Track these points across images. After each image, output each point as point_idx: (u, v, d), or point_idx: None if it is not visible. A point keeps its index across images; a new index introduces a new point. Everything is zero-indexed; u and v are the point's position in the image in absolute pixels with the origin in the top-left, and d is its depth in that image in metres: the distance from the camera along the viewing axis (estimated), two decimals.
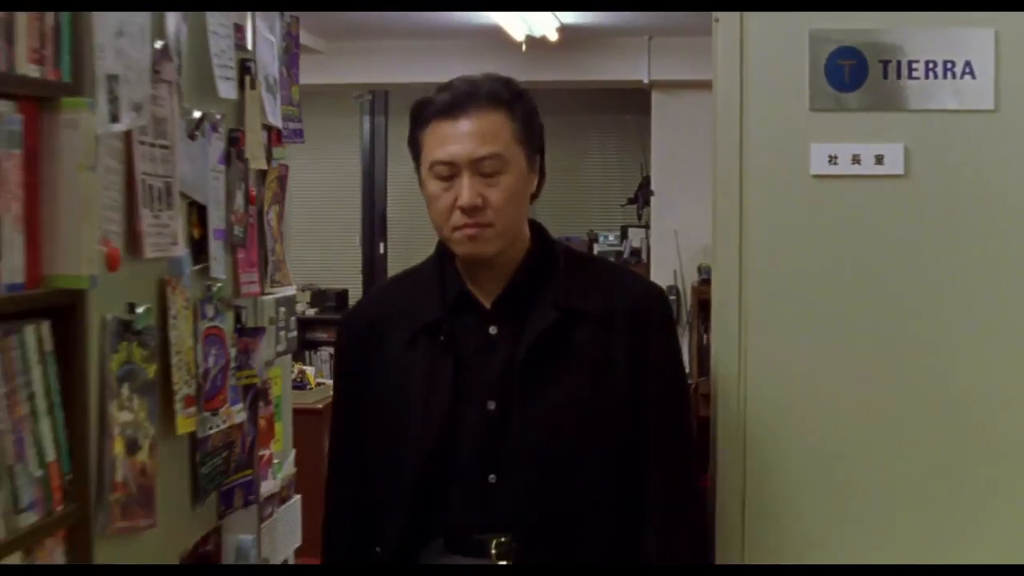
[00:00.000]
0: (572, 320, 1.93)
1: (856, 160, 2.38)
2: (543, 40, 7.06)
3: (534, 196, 2.00)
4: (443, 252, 2.02)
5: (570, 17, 6.86)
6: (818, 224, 2.39)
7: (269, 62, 2.56)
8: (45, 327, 1.59)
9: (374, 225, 9.17)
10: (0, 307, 1.49)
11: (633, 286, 2.06)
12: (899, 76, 2.39)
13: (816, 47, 2.39)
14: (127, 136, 1.80)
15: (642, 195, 8.58)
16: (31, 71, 1.54)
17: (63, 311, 1.62)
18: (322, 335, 8.48)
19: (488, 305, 1.97)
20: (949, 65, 2.38)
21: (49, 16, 1.58)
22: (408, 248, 9.68)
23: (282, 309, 2.70)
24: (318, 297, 9.19)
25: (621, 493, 1.97)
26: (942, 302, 2.39)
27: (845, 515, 2.42)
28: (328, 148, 9.48)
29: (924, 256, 2.39)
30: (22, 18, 1.51)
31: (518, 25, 6.77)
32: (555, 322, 1.92)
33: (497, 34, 6.99)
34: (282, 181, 2.73)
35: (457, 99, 1.90)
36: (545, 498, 1.92)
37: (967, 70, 2.38)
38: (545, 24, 6.81)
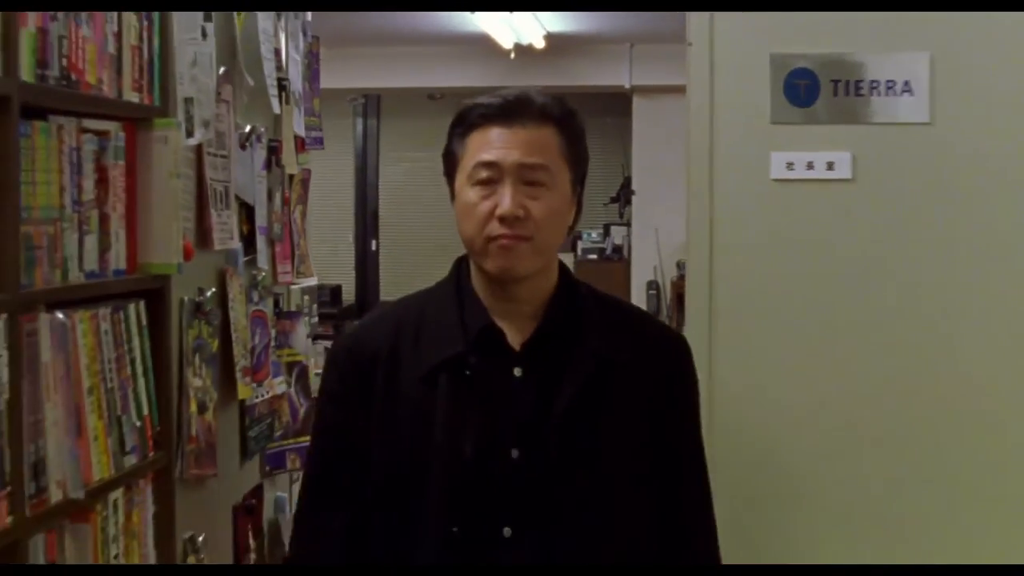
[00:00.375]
0: (607, 370, 1.80)
1: (810, 166, 2.74)
2: (530, 47, 7.42)
3: (569, 229, 1.84)
4: (461, 280, 1.84)
5: (556, 25, 7.22)
6: (777, 222, 2.74)
7: (295, 79, 2.92)
8: (141, 305, 1.95)
9: (366, 223, 9.51)
10: (110, 288, 1.85)
11: (661, 337, 1.95)
12: (848, 93, 2.75)
13: (776, 68, 2.75)
14: (198, 148, 2.17)
15: (623, 194, 8.93)
16: (133, 97, 1.90)
17: (153, 293, 1.98)
18: (318, 329, 8.81)
19: (517, 346, 1.79)
20: (890, 84, 2.75)
21: (145, 50, 1.94)
22: (398, 245, 10.06)
23: (306, 297, 3.07)
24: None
25: (638, 551, 1.84)
26: (885, 292, 2.75)
27: (805, 502, 2.72)
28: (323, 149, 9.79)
29: (870, 250, 2.74)
30: (127, 53, 1.87)
31: (506, 33, 7.12)
32: (594, 372, 1.78)
33: (486, 41, 7.35)
34: (305, 184, 3.09)
35: (510, 106, 1.78)
36: (564, 556, 1.76)
37: (906, 88, 2.74)
38: (532, 32, 7.17)
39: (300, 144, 3.01)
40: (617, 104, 8.84)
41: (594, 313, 1.84)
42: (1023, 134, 2.65)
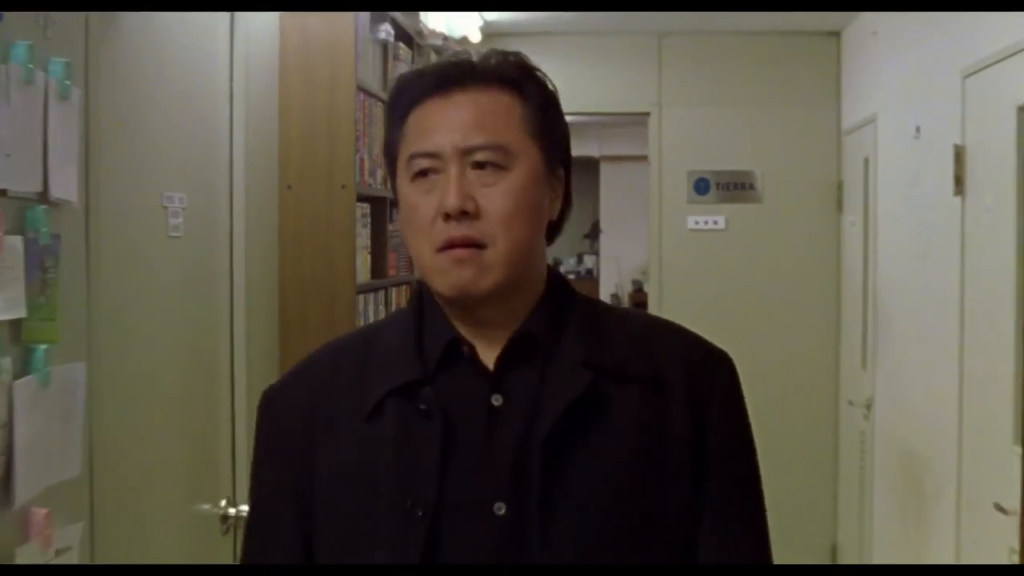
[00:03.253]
0: (609, 384, 1.28)
1: (706, 222, 5.80)
2: None
3: (554, 225, 1.33)
4: (424, 302, 1.34)
5: None
6: (691, 254, 5.80)
7: None
8: None
9: None
10: None
11: (688, 346, 1.36)
12: (725, 189, 5.81)
13: (689, 176, 5.82)
14: None
15: (593, 232, 11.55)
16: None
17: None
18: None
19: (491, 364, 1.29)
20: (743, 183, 5.81)
21: None
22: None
23: None
24: None
25: None
26: (747, 299, 5.79)
27: None
28: None
29: (735, 270, 5.79)
30: None
31: None
32: (589, 386, 1.27)
33: None
34: None
35: (448, 72, 1.29)
36: None
37: (751, 186, 5.82)
38: None
39: None
40: (589, 168, 10.77)
41: (589, 319, 1.33)
42: (816, 208, 5.73)
